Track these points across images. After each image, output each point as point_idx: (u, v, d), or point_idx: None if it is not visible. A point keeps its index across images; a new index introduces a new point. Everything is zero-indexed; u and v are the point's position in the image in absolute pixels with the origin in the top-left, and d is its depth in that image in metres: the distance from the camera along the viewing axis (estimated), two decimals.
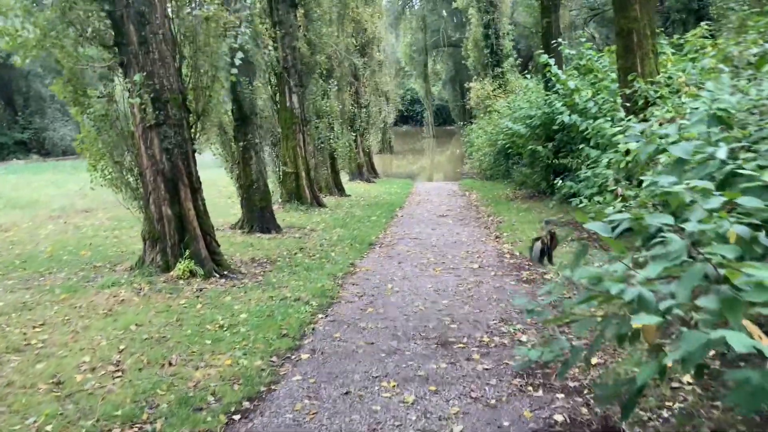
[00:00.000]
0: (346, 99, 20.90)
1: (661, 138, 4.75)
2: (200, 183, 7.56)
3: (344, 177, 22.75)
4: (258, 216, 10.42)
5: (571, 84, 12.25)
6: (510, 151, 16.17)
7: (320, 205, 13.63)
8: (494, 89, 28.47)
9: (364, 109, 22.86)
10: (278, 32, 12.76)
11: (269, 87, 13.31)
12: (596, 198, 8.51)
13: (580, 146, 10.68)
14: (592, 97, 11.78)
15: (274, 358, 4.81)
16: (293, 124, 13.14)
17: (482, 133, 24.89)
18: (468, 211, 14.09)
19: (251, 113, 10.16)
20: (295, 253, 8.87)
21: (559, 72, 12.56)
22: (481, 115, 27.63)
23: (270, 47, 10.07)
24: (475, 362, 4.57)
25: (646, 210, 6.14)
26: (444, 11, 51.91)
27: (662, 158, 6.19)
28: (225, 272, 7.33)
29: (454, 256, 8.70)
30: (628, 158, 8.16)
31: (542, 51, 12.89)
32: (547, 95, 14.56)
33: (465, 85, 34.66)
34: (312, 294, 6.57)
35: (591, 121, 10.51)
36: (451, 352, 4.79)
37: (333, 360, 4.73)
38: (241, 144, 10.24)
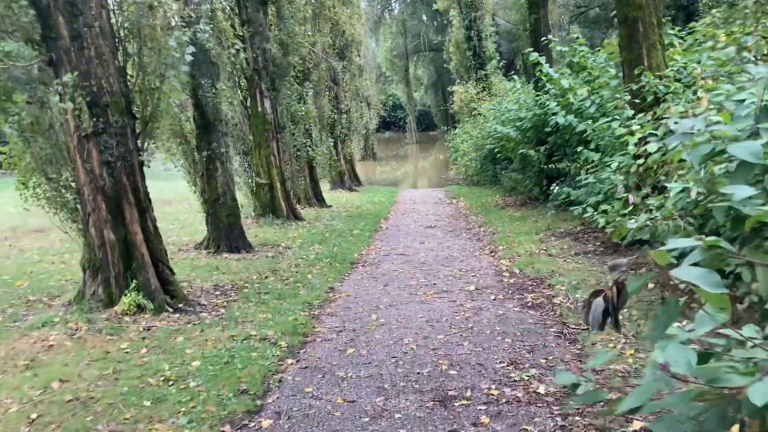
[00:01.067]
0: (325, 104, 19.88)
1: (714, 137, 3.83)
2: (150, 201, 6.48)
3: (325, 186, 21.71)
4: (225, 234, 9.34)
5: (565, 83, 11.37)
6: (499, 155, 15.27)
7: (297, 218, 12.57)
8: (478, 92, 27.67)
9: (345, 115, 21.87)
10: (247, 31, 11.73)
11: (239, 91, 12.25)
12: (603, 206, 7.58)
13: (578, 149, 9.76)
14: (588, 95, 10.91)
15: (227, 428, 3.76)
16: (266, 130, 12.09)
17: (467, 137, 24.03)
18: (457, 220, 13.12)
19: (215, 119, 9.10)
20: (266, 277, 7.80)
21: (551, 70, 11.66)
22: (466, 119, 26.79)
23: (236, 47, 9.03)
24: (485, 429, 3.56)
25: (676, 223, 5.22)
26: (424, 15, 51.21)
27: (687, 159, 5.26)
28: (180, 305, 6.25)
29: (446, 275, 7.70)
30: (639, 162, 7.26)
31: (531, 49, 12.00)
32: (537, 96, 13.69)
33: (448, 89, 33.89)
34: (282, 331, 5.52)
35: (590, 122, 9.62)
36: (452, 414, 3.77)
37: (302, 429, 3.69)
38: (204, 154, 9.17)
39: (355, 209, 15.78)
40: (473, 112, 25.79)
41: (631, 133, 7.34)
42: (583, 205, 8.44)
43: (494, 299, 6.39)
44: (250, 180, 12.44)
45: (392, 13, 49.51)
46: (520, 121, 13.52)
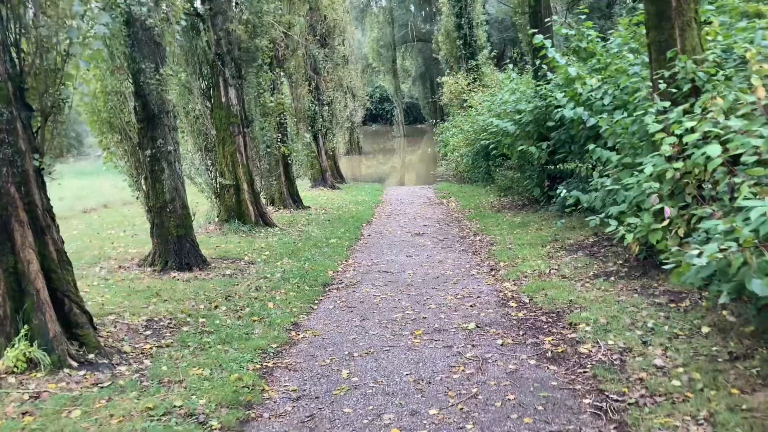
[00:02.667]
0: (304, 95, 18.32)
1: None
2: (53, 218, 4.95)
3: (306, 184, 20.19)
4: (174, 248, 7.82)
5: (572, 70, 9.94)
6: (494, 152, 13.83)
7: (268, 223, 11.06)
8: (469, 83, 26.22)
9: (327, 107, 20.30)
10: (207, 9, 10.17)
11: (200, 79, 10.70)
12: (630, 220, 6.18)
13: (589, 147, 8.35)
14: (599, 85, 9.51)
15: None
16: (231, 124, 10.55)
17: (458, 131, 22.61)
18: (449, 226, 11.69)
19: (160, 111, 7.56)
20: (216, 306, 6.31)
21: (557, 56, 10.20)
22: (456, 111, 25.37)
23: (182, 22, 7.49)
24: None
25: (765, 259, 3.79)
26: (412, 5, 49.62)
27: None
28: (91, 356, 4.74)
29: (439, 304, 6.26)
30: (677, 165, 5.85)
31: (536, 30, 10.54)
32: (538, 86, 12.28)
33: (437, 80, 32.42)
34: (217, 400, 4.04)
35: (604, 116, 8.22)
36: None
37: None
38: (148, 153, 7.63)
39: (335, 211, 14.29)
40: (464, 104, 24.38)
41: (665, 131, 5.94)
42: (602, 215, 7.04)
43: (501, 344, 4.95)
44: (213, 181, 10.90)
45: (379, 1, 47.82)
46: (519, 114, 12.10)
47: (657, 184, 5.87)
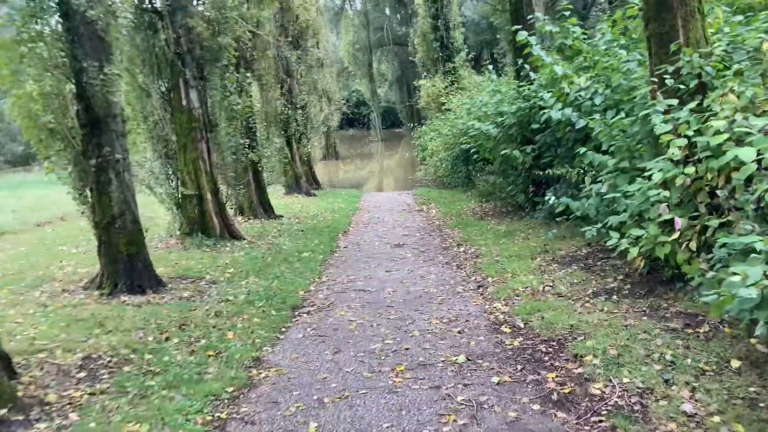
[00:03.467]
0: (275, 98, 17.50)
1: None
2: None
3: (279, 191, 19.34)
4: (125, 269, 6.96)
5: (558, 69, 9.34)
6: (475, 156, 13.17)
7: (234, 236, 10.21)
8: (446, 86, 25.65)
9: (301, 111, 19.49)
10: (166, 6, 9.33)
11: (159, 81, 9.84)
12: (633, 232, 5.53)
13: (579, 151, 7.75)
14: (587, 84, 8.94)
15: None
16: (193, 129, 9.70)
17: (436, 135, 21.99)
18: (430, 235, 10.98)
19: (106, 115, 6.70)
20: (167, 339, 5.48)
21: (542, 53, 9.58)
22: (436, 115, 24.76)
23: (126, 15, 6.67)
24: None
25: None
26: (387, 8, 49.03)
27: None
28: (2, 411, 3.89)
29: (423, 331, 5.52)
30: (688, 171, 5.22)
31: (519, 27, 9.91)
32: (521, 86, 11.68)
33: (414, 83, 31.82)
34: None
35: (598, 117, 7.62)
36: None
37: None
38: (93, 162, 6.77)
39: (310, 220, 13.49)
40: (442, 108, 23.79)
41: (676, 132, 5.31)
42: (598, 225, 6.40)
43: (498, 383, 4.23)
44: (175, 191, 10.03)
45: (354, 4, 47.13)
46: (501, 117, 11.46)
47: (666, 192, 5.24)
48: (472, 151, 12.99)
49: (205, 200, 9.85)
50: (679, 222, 5.11)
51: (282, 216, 13.80)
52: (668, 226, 5.33)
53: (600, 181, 7.20)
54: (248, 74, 12.46)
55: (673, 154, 5.26)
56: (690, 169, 5.09)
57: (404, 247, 9.90)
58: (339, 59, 50.42)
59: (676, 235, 5.18)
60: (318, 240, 10.63)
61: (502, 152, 11.02)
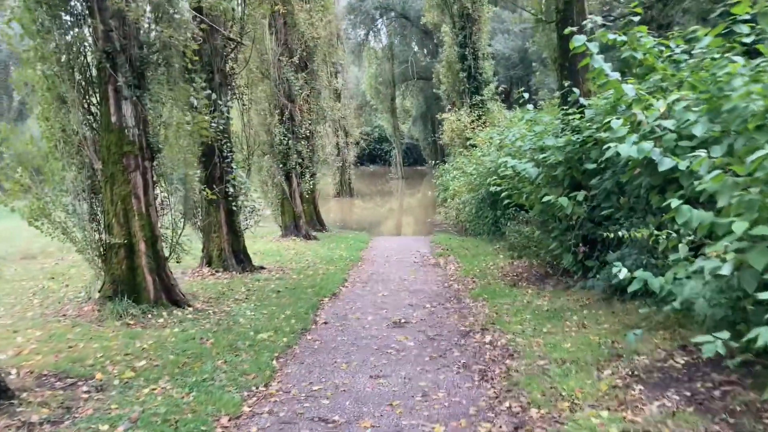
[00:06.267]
0: (274, 124, 15.08)
1: None
2: None
3: (276, 233, 16.73)
4: None
5: (629, 89, 6.62)
6: (508, 201, 10.36)
7: (176, 302, 7.48)
8: (473, 120, 23.09)
9: (305, 141, 17.02)
10: None
11: (84, 89, 7.35)
12: None
13: (667, 202, 5.00)
14: (670, 109, 6.24)
15: None
16: (124, 155, 7.12)
17: (459, 173, 19.33)
18: (445, 309, 8.11)
19: None
20: None
21: (606, 67, 6.84)
22: (458, 151, 22.15)
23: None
24: None
25: None
26: (414, 43, 47.15)
27: None
28: None
29: None
30: None
31: (575, 29, 7.23)
32: (567, 114, 9.01)
33: (438, 116, 29.37)
34: None
35: (704, 156, 4.90)
36: None
37: None
38: None
39: (296, 274, 10.75)
40: (467, 143, 21.19)
41: None
42: (724, 335, 3.57)
43: None
44: (100, 236, 7.41)
45: (378, 35, 45.33)
46: (543, 152, 8.73)
47: None
48: (503, 194, 10.19)
49: (136, 252, 7.19)
50: None
51: (263, 267, 11.08)
52: None
53: (703, 253, 4.56)
54: (228, 88, 9.97)
55: None
56: None
57: (406, 328, 7.05)
58: (361, 92, 48.56)
59: None
60: (292, 309, 7.85)
61: (544, 199, 8.23)
